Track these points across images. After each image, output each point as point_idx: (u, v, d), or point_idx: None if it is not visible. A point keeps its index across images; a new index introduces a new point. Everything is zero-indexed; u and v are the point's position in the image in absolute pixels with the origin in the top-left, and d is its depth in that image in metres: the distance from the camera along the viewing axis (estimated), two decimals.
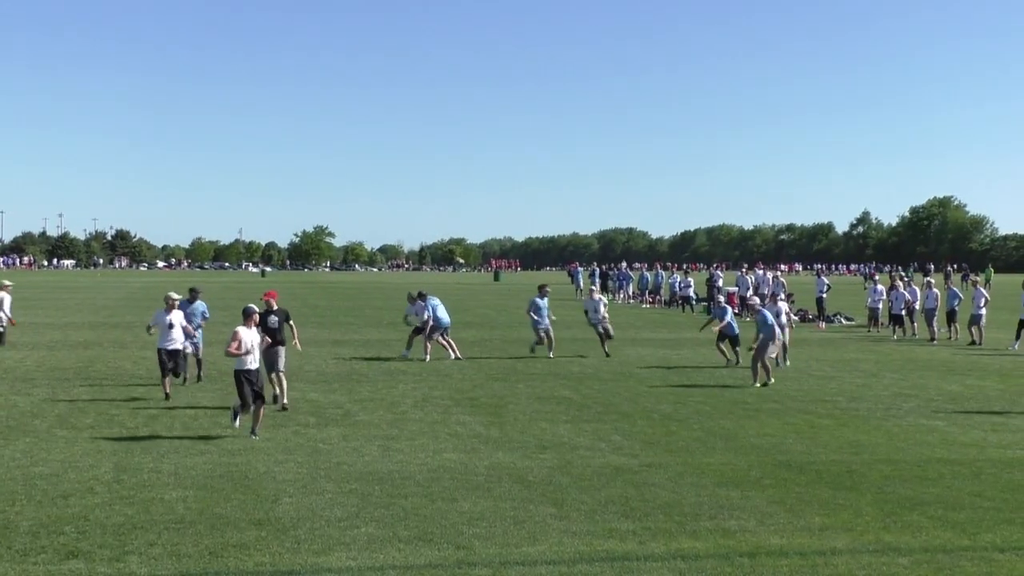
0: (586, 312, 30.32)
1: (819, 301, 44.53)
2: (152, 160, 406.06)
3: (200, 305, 22.66)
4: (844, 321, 44.50)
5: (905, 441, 16.20)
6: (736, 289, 50.71)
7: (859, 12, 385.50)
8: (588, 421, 17.72)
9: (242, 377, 15.80)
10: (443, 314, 27.98)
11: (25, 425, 16.63)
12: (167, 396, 19.41)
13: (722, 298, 40.73)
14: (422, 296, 28.04)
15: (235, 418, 16.21)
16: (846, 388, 22.47)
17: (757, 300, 26.47)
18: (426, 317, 27.55)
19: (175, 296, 20.49)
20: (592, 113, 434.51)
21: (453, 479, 13.08)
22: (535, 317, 28.83)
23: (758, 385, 22.40)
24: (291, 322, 19.79)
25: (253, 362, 15.93)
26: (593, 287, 38.40)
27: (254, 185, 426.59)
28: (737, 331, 26.68)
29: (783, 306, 27.03)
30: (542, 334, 28.80)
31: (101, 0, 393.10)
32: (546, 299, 29.14)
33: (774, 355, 23.88)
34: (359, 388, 21.62)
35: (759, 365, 22.75)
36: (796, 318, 45.50)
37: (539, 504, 11.94)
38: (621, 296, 63.09)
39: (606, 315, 29.35)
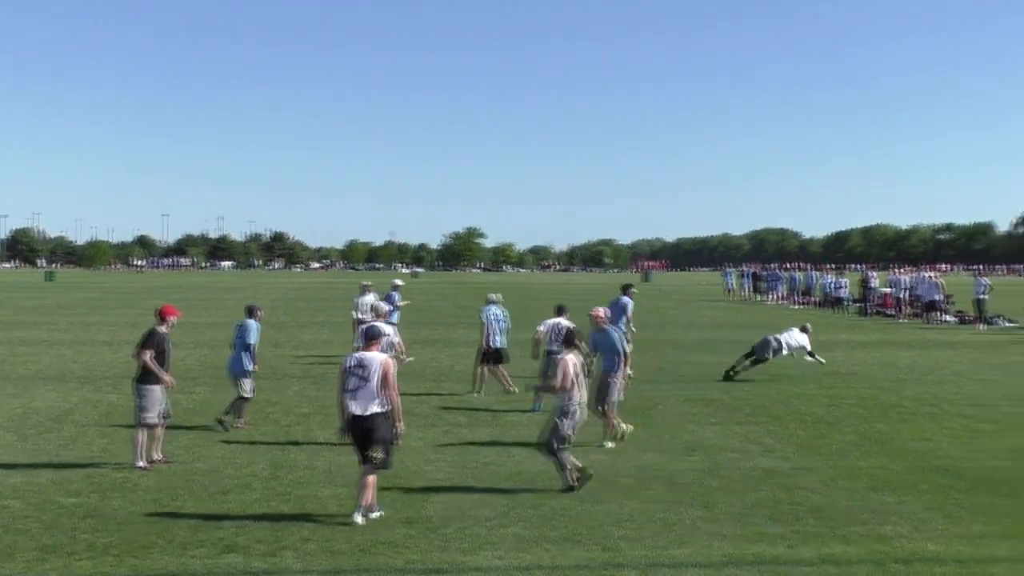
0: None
1: (978, 303, 42.83)
2: (308, 164, 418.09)
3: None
4: (1006, 323, 42.93)
5: None
6: (891, 290, 49.68)
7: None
8: (738, 423, 17.52)
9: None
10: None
11: (186, 422, 17.08)
12: None
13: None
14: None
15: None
16: (1007, 392, 21.73)
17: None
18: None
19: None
20: (743, 111, 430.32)
21: (601, 480, 13.06)
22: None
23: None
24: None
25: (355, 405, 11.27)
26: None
27: (406, 188, 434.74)
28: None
29: None
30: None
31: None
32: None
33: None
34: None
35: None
36: (955, 319, 44.38)
37: (687, 506, 11.86)
38: (772, 297, 62.26)
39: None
